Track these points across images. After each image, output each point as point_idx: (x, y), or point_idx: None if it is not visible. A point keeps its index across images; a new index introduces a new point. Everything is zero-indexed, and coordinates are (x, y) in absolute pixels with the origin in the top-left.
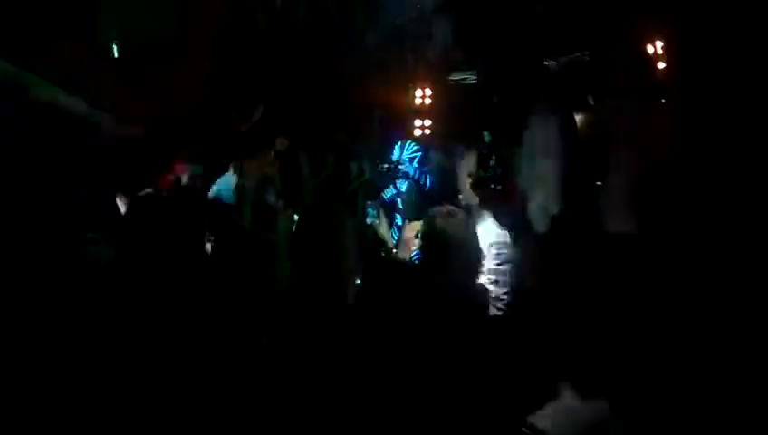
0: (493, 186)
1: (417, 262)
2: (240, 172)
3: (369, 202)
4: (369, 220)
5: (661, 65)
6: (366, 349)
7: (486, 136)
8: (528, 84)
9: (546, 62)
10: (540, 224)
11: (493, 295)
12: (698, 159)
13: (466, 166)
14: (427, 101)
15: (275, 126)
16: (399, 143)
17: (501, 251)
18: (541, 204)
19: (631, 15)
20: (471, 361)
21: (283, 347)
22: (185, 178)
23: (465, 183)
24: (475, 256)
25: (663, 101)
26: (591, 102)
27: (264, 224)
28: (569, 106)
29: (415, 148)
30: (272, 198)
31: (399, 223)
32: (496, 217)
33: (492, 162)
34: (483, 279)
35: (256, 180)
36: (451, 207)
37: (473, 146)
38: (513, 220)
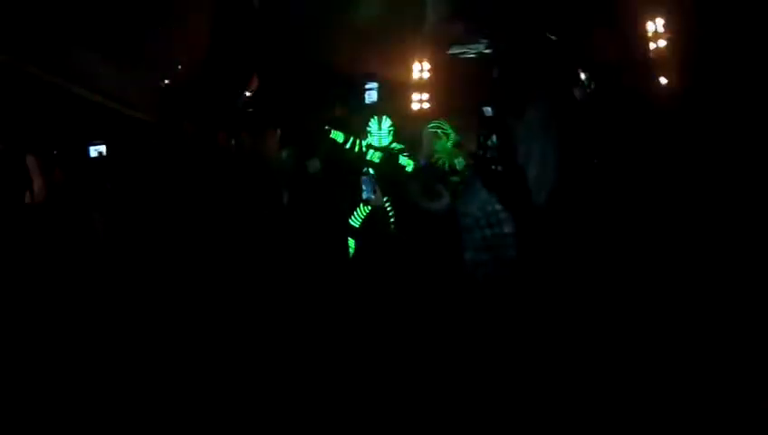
0: (494, 167)
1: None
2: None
3: (364, 178)
4: (364, 196)
5: (661, 43)
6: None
7: (488, 111)
8: (531, 58)
9: (549, 37)
10: (536, 197)
11: (503, 260)
12: (693, 139)
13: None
14: (426, 75)
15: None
16: (376, 118)
17: (503, 217)
18: (537, 178)
19: None
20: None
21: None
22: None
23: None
24: (455, 228)
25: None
26: (584, 78)
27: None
28: (568, 82)
29: (391, 122)
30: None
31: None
32: (498, 195)
33: (491, 142)
34: (471, 251)
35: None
36: (428, 182)
37: (473, 121)
38: (515, 197)
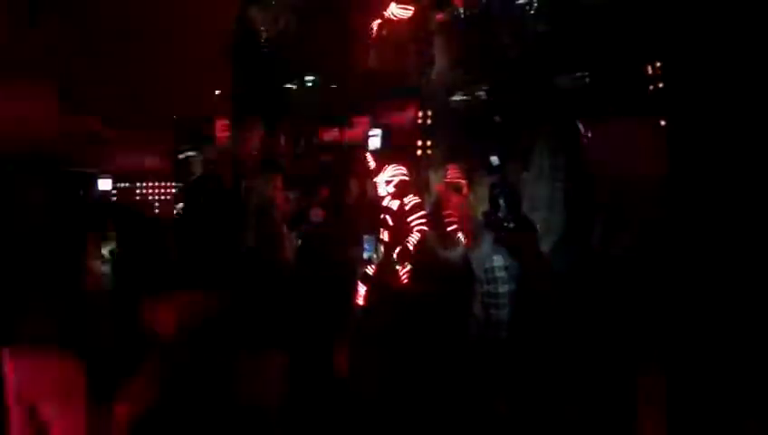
0: (505, 224)
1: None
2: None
3: (366, 236)
4: (366, 255)
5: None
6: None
7: (495, 160)
8: (534, 104)
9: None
10: (543, 241)
11: (493, 320)
12: (691, 178)
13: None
14: (429, 121)
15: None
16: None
17: (499, 276)
18: (544, 221)
19: (628, 38)
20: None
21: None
22: None
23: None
24: (466, 279)
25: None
26: (581, 128)
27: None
28: (572, 126)
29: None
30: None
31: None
32: (511, 252)
33: (501, 201)
34: (478, 305)
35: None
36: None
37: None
38: (528, 253)
